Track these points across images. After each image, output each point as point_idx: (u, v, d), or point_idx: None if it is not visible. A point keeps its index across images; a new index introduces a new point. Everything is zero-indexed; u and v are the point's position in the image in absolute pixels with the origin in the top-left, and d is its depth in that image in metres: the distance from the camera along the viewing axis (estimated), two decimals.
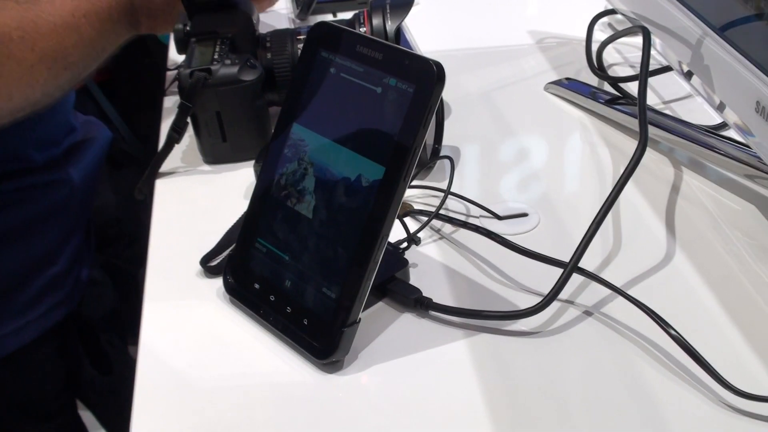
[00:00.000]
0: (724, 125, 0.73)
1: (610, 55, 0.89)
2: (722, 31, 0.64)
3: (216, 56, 0.70)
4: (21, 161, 0.79)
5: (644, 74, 0.68)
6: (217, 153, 0.73)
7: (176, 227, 0.66)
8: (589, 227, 0.56)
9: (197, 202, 0.69)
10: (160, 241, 0.65)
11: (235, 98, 0.70)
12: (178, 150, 0.74)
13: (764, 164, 0.63)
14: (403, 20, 0.73)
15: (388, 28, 0.72)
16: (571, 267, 0.54)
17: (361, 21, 0.73)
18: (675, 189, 0.68)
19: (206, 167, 0.74)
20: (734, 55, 0.60)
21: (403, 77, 0.49)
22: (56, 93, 0.71)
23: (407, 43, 0.84)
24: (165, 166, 0.72)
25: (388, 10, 0.73)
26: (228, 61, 0.70)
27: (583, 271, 0.56)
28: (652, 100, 0.81)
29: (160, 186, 0.71)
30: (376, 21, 0.73)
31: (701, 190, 0.68)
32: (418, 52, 0.83)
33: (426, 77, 0.48)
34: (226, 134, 0.72)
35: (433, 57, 0.48)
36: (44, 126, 0.80)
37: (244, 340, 0.54)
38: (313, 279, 0.52)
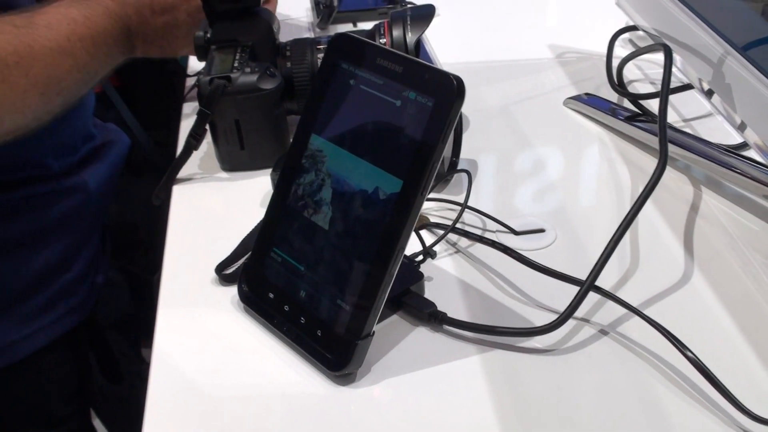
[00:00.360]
0: (744, 145, 0.72)
1: (630, 72, 0.89)
2: (745, 50, 0.64)
3: (236, 64, 0.71)
4: (37, 168, 0.79)
5: (665, 92, 0.67)
6: (234, 160, 0.73)
7: (192, 234, 0.66)
8: (607, 245, 0.55)
9: (214, 209, 0.70)
10: (176, 248, 0.65)
11: (254, 106, 0.70)
12: (195, 157, 0.74)
13: None
14: (423, 32, 0.73)
15: (408, 39, 0.72)
16: (587, 285, 0.54)
17: (382, 32, 0.73)
18: (693, 208, 0.67)
19: (223, 174, 0.74)
20: (756, 75, 0.60)
21: (423, 91, 0.49)
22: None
23: (427, 55, 0.85)
24: (182, 173, 0.73)
25: (408, 22, 0.73)
26: (248, 69, 0.70)
27: (599, 290, 0.56)
28: (672, 117, 0.81)
29: (177, 192, 0.72)
30: (397, 32, 0.73)
31: (719, 209, 0.67)
32: (438, 65, 0.83)
33: (446, 91, 0.48)
34: (244, 142, 0.72)
35: (452, 70, 0.48)
36: (63, 133, 0.81)
37: (258, 350, 0.54)
38: (328, 290, 0.52)
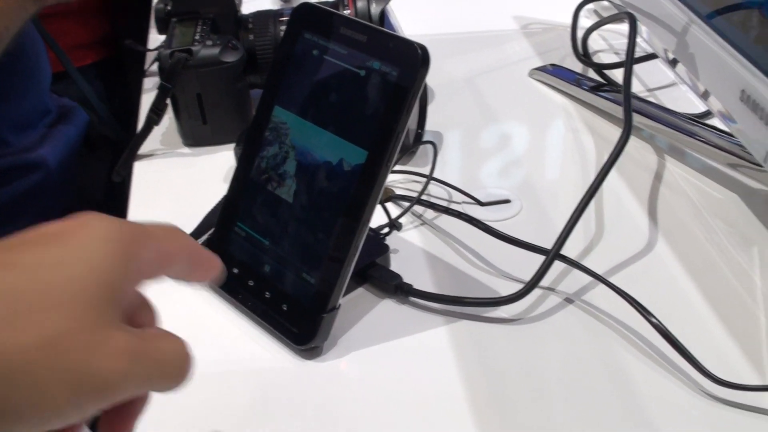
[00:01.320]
0: (708, 114, 0.73)
1: (595, 42, 0.89)
2: (709, 18, 0.64)
3: (197, 37, 0.69)
4: None
5: (630, 61, 0.67)
6: (197, 135, 0.72)
7: (154, 211, 0.65)
8: (572, 215, 0.56)
9: (176, 185, 0.69)
10: None
11: (216, 80, 0.69)
12: (157, 132, 0.73)
13: (747, 153, 0.63)
14: (388, 3, 0.72)
15: (372, 10, 0.72)
16: (553, 254, 0.54)
17: (346, 3, 0.72)
18: (658, 177, 0.68)
19: (186, 150, 0.73)
20: (720, 43, 0.60)
21: (387, 60, 0.48)
22: None
23: (392, 27, 0.84)
24: (144, 149, 0.71)
25: None
26: (209, 42, 0.69)
27: (564, 258, 0.56)
28: (636, 87, 0.81)
29: (139, 169, 0.70)
30: (361, 3, 0.72)
31: (684, 178, 0.67)
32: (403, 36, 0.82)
33: (410, 60, 0.47)
34: (206, 116, 0.71)
35: (419, 41, 0.47)
36: (18, 108, 0.79)
37: (223, 326, 0.53)
38: (293, 264, 0.51)
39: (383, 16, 0.74)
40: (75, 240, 0.29)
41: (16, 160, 0.80)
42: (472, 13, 1.00)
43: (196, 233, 0.60)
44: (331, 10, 0.52)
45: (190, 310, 0.55)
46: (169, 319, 0.54)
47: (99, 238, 0.29)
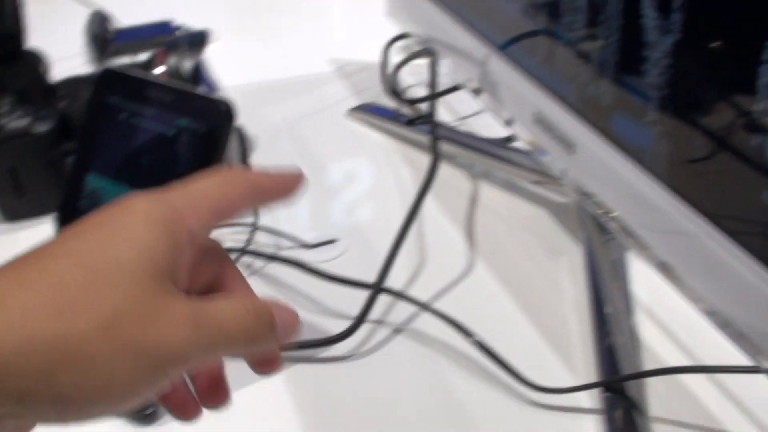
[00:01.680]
0: (512, 138, 0.78)
1: (410, 77, 0.93)
2: (503, 48, 0.69)
3: (5, 110, 0.68)
4: None
5: (433, 94, 0.71)
6: (14, 210, 0.70)
7: None
8: (392, 247, 0.58)
9: None
10: None
11: (28, 151, 0.67)
12: None
13: (548, 171, 0.68)
14: (199, 57, 0.73)
15: (184, 66, 0.72)
16: (375, 289, 0.56)
17: (158, 61, 0.73)
18: (473, 200, 0.72)
19: (4, 225, 0.71)
20: (515, 70, 0.64)
21: (194, 118, 0.49)
22: None
23: (207, 80, 0.85)
24: None
25: (184, 49, 0.73)
26: (19, 114, 0.67)
27: (388, 291, 0.58)
28: (446, 117, 0.85)
29: None
30: (172, 60, 0.73)
31: (496, 199, 0.72)
32: (220, 89, 0.83)
33: (216, 116, 0.48)
34: (23, 189, 0.69)
35: (235, 92, 0.49)
36: None
37: None
38: None
39: (197, 71, 0.75)
40: (118, 223, 0.30)
41: None
42: (288, 60, 1.02)
43: None
44: (135, 73, 0.53)
45: None
46: None
47: (140, 219, 0.30)
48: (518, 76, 0.64)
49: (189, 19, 1.01)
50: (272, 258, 0.64)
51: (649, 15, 0.46)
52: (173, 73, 0.72)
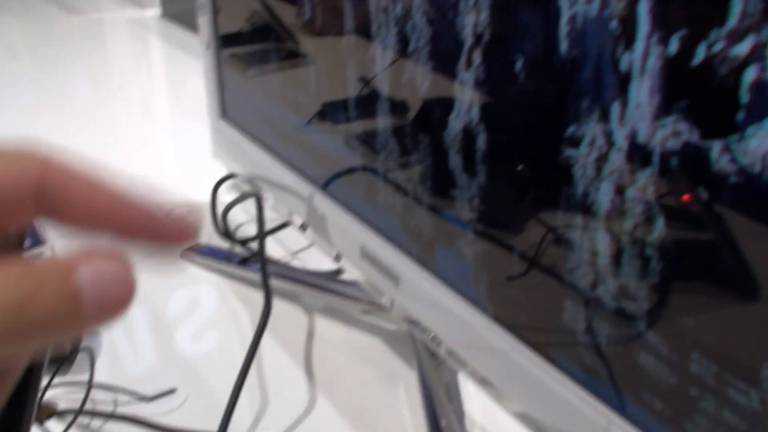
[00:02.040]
0: (341, 270, 0.81)
1: (242, 214, 0.95)
2: (325, 187, 0.72)
3: None
4: None
5: (260, 234, 0.73)
6: None
7: None
8: (232, 392, 0.59)
9: None
10: None
11: None
12: None
13: (376, 300, 0.71)
14: None
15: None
16: None
17: None
18: (310, 335, 0.73)
19: None
20: (338, 207, 0.67)
21: None
22: None
23: (34, 236, 0.83)
24: None
25: None
26: None
27: None
28: (279, 253, 0.87)
29: None
30: None
31: (332, 331, 0.74)
32: (38, 246, 0.82)
33: None
34: None
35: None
36: None
37: None
38: None
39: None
40: None
41: None
42: None
43: None
44: None
45: None
46: None
47: None
48: (342, 212, 0.68)
49: None
50: (110, 416, 0.62)
51: (453, 157, 0.51)
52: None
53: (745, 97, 0.33)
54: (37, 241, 0.78)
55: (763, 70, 0.32)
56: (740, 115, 0.33)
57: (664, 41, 0.35)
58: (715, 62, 0.33)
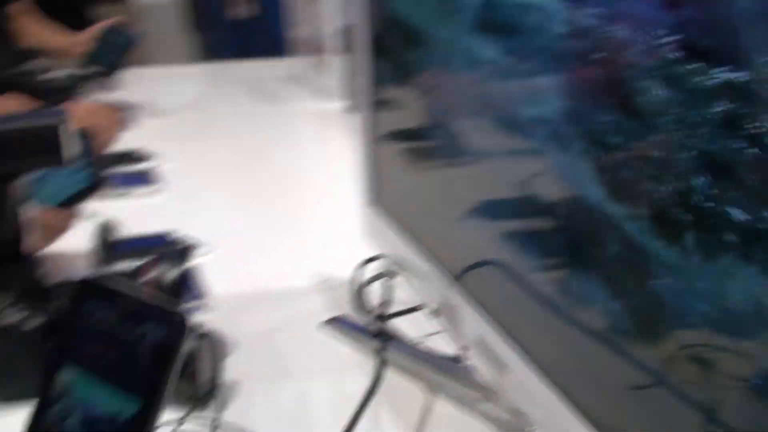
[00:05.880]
0: (461, 357, 0.83)
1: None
2: (458, 279, 0.76)
3: (5, 305, 0.75)
4: None
5: (384, 315, 0.78)
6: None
7: None
8: None
9: None
10: None
11: (13, 345, 0.74)
12: None
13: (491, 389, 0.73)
14: (180, 269, 0.81)
15: (167, 276, 0.80)
16: None
17: (144, 271, 0.81)
18: (426, 412, 0.76)
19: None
20: (470, 299, 0.71)
21: (156, 323, 0.56)
22: None
23: (193, 288, 0.93)
24: None
25: (169, 261, 0.81)
26: (11, 310, 0.75)
27: None
28: (411, 333, 0.91)
29: None
30: (158, 270, 0.81)
31: (447, 412, 0.76)
32: (202, 297, 0.91)
33: (174, 325, 0.55)
34: (8, 377, 0.75)
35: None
36: None
37: None
38: None
39: (185, 280, 0.83)
40: None
41: None
42: (274, 271, 1.10)
43: None
44: (110, 283, 0.60)
45: None
46: None
47: None
48: (471, 303, 0.71)
49: (191, 230, 1.13)
50: None
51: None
52: (157, 281, 0.80)
53: None
54: None
55: None
56: None
57: None
58: None
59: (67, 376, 0.60)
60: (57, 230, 1.00)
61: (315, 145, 1.82)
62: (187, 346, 0.56)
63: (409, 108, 0.83)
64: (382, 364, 0.70)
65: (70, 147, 0.77)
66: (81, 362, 0.59)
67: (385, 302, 0.98)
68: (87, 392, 0.58)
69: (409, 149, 0.89)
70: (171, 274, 0.80)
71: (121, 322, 0.58)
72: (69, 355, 0.60)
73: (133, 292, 0.58)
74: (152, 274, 0.80)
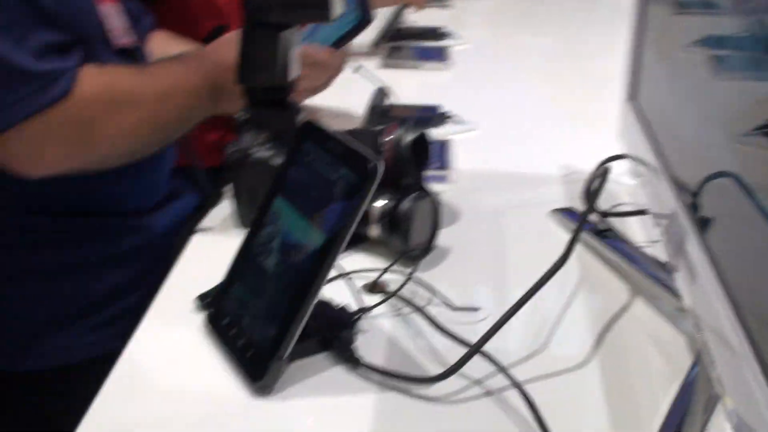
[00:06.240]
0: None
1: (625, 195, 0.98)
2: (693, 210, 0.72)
3: (260, 142, 0.86)
4: (114, 204, 0.95)
5: (589, 198, 0.77)
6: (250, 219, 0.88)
7: (196, 275, 0.80)
8: (505, 313, 0.66)
9: (226, 257, 0.83)
10: (177, 280, 0.80)
11: (264, 176, 0.84)
12: (221, 213, 0.90)
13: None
14: (415, 137, 0.86)
15: (404, 140, 0.86)
16: (475, 348, 0.64)
17: (387, 132, 0.87)
18: (622, 309, 0.76)
19: (241, 230, 0.88)
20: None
21: (351, 169, 0.62)
22: (146, 150, 0.90)
23: (441, 157, 0.99)
24: (206, 224, 0.89)
25: (407, 127, 0.87)
26: (267, 148, 0.85)
27: (485, 355, 0.66)
28: (638, 236, 0.89)
29: (197, 241, 0.87)
30: (396, 134, 0.86)
31: (643, 316, 0.75)
32: (447, 167, 0.96)
33: (364, 172, 0.61)
34: (257, 204, 0.86)
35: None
36: (143, 179, 0.96)
37: (207, 361, 0.67)
38: (262, 320, 0.65)
39: (420, 145, 0.87)
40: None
41: (128, 222, 0.96)
42: (521, 154, 1.13)
43: (213, 290, 0.74)
44: (326, 128, 0.67)
45: (190, 345, 0.69)
46: (170, 349, 0.68)
47: None
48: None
49: (462, 107, 1.19)
50: (418, 310, 0.74)
51: None
52: (396, 143, 0.86)
53: None
54: None
55: None
56: None
57: None
58: None
59: (278, 205, 0.68)
60: (332, 69, 1.11)
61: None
62: (406, 205, 0.62)
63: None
64: (574, 240, 0.71)
65: (337, 5, 0.84)
66: (289, 195, 0.67)
67: (613, 201, 0.97)
68: (289, 221, 0.66)
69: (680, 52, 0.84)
70: (407, 138, 0.86)
71: (327, 164, 0.64)
72: (282, 187, 0.68)
73: (344, 139, 0.65)
74: (391, 136, 0.86)
